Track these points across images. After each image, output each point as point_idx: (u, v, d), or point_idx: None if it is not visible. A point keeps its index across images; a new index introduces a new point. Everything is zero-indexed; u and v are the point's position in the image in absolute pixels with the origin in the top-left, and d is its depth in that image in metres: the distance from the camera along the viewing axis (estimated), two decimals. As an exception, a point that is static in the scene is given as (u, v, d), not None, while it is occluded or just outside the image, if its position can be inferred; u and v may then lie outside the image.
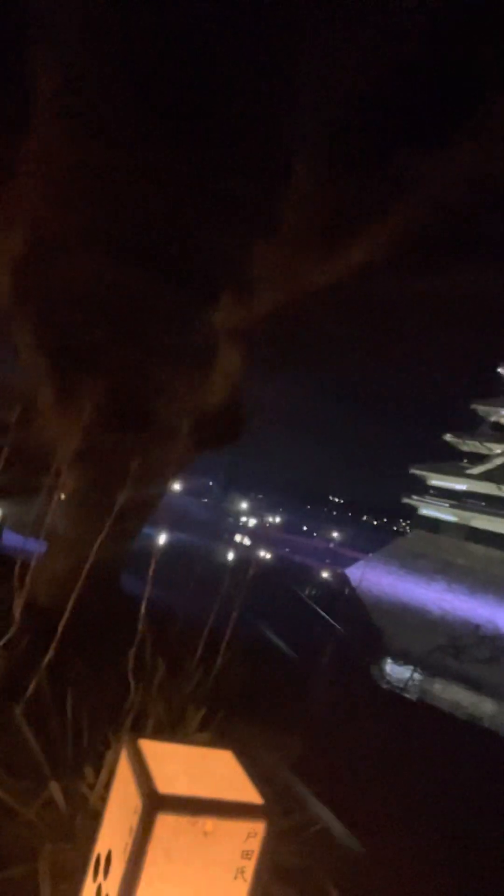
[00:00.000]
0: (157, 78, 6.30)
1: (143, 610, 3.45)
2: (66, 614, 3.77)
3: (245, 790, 1.79)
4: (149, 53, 6.47)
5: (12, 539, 7.75)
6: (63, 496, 5.56)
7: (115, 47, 6.22)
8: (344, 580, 34.49)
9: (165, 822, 1.58)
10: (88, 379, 5.72)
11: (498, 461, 44.41)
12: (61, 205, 6.34)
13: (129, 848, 1.59)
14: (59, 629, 3.76)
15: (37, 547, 5.71)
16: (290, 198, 6.24)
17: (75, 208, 6.44)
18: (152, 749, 1.82)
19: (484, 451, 45.42)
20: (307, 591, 27.82)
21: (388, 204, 6.11)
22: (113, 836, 1.72)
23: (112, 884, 1.64)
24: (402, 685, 13.03)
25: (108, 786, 1.93)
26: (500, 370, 44.30)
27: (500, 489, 43.66)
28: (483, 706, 14.20)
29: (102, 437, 4.91)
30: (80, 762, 3.11)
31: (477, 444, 45.60)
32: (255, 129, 6.60)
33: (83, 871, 1.77)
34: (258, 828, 1.68)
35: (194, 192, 6.54)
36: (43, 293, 6.59)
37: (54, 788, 2.94)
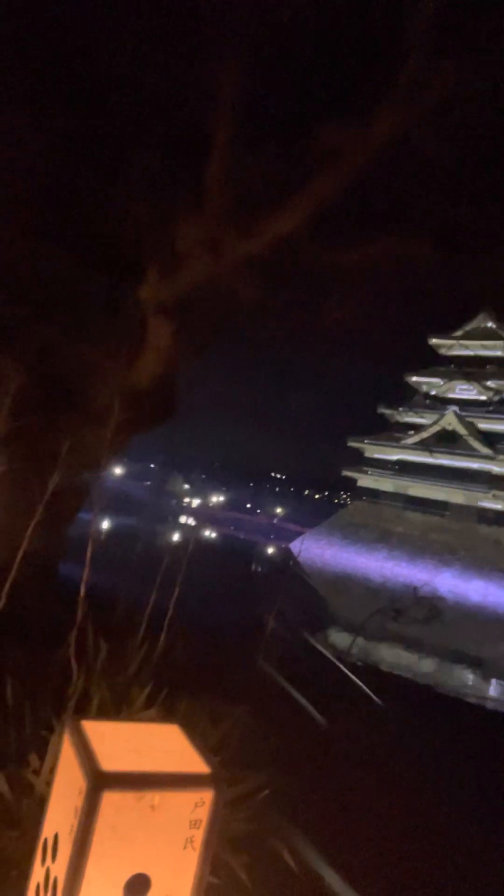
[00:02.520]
0: (65, 45, 6.05)
1: (82, 594, 3.40)
2: (0, 604, 3.68)
3: (192, 761, 1.80)
4: (55, 19, 6.19)
5: None
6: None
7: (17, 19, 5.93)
8: (288, 554, 35.08)
9: (111, 800, 1.57)
10: (8, 359, 5.52)
11: (431, 430, 45.91)
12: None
13: (74, 829, 1.57)
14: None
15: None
16: (210, 170, 6.14)
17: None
18: (96, 729, 1.80)
19: (417, 422, 46.84)
20: (252, 567, 28.15)
21: (310, 174, 6.11)
22: (59, 819, 1.70)
23: (60, 866, 1.62)
24: (345, 650, 13.43)
25: (53, 770, 1.91)
26: (431, 341, 45.57)
27: (433, 457, 45.22)
28: (421, 664, 14.83)
29: (29, 419, 4.76)
30: (24, 749, 3.06)
31: (411, 414, 46.95)
32: (170, 102, 6.44)
33: (31, 858, 1.74)
34: (206, 797, 1.69)
35: (112, 166, 6.35)
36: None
37: (-1, 779, 2.88)
